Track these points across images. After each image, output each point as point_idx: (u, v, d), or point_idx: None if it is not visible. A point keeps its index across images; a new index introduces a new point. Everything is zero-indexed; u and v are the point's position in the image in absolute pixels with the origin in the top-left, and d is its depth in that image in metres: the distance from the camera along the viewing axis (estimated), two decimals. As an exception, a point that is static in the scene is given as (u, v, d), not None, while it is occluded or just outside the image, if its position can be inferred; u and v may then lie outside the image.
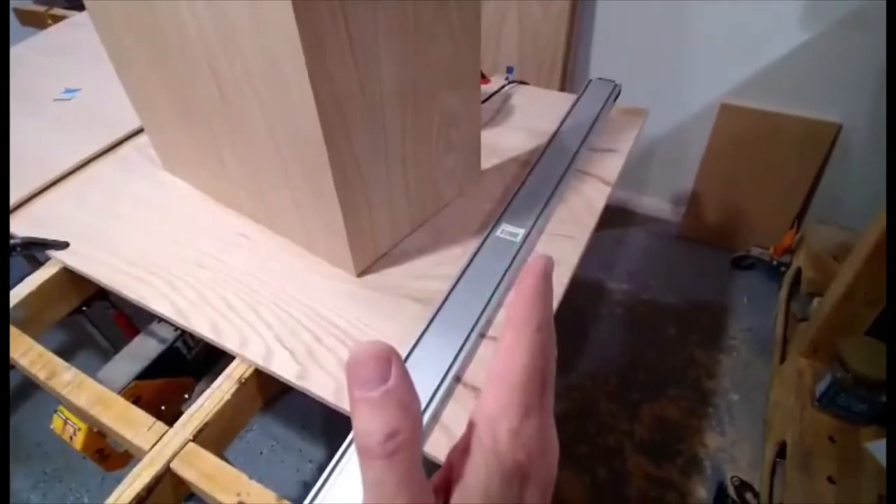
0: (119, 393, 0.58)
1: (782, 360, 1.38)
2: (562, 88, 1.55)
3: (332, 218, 0.58)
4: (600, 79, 0.95)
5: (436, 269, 0.65)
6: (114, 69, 0.74)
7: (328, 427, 1.34)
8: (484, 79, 1.02)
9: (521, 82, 1.00)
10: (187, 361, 0.68)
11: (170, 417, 0.55)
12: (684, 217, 1.73)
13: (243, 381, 0.57)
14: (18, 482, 1.31)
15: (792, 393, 1.23)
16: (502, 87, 0.97)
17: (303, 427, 1.33)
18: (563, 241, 0.67)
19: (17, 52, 1.19)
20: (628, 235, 1.78)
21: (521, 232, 0.66)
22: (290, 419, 1.35)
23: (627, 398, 1.36)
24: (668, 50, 1.48)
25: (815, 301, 1.37)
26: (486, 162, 0.79)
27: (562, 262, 0.64)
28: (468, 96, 0.67)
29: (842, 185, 1.51)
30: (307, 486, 0.47)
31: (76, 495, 1.26)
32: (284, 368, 0.55)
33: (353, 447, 0.46)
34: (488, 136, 0.85)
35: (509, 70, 1.55)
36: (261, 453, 1.28)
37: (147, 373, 0.63)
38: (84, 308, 0.81)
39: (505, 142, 0.84)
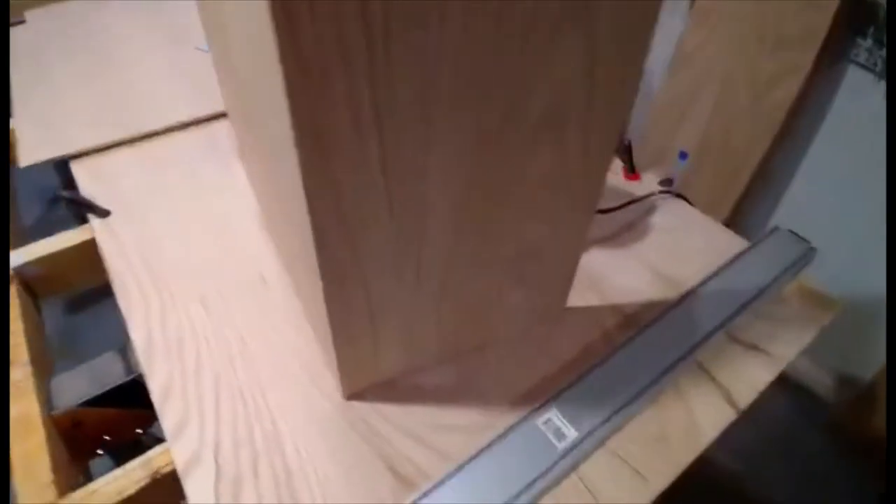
0: (61, 412, 0.51)
1: None
2: (730, 221, 1.22)
3: (322, 319, 0.43)
4: (790, 231, 0.68)
5: (441, 436, 0.47)
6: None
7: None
8: (633, 174, 0.80)
9: (681, 196, 0.76)
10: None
11: (113, 448, 0.46)
12: (847, 405, 1.32)
13: (159, 476, 0.45)
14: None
15: None
16: (650, 194, 0.75)
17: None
18: (626, 470, 0.45)
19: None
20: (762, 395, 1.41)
21: (573, 434, 0.46)
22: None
23: None
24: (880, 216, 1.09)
25: None
26: (577, 296, 0.58)
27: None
28: (570, 227, 0.47)
29: None
30: None
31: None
32: (197, 489, 0.42)
33: None
34: (593, 259, 0.64)
35: (682, 156, 1.28)
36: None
37: (100, 399, 0.55)
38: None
39: (615, 276, 0.62)
